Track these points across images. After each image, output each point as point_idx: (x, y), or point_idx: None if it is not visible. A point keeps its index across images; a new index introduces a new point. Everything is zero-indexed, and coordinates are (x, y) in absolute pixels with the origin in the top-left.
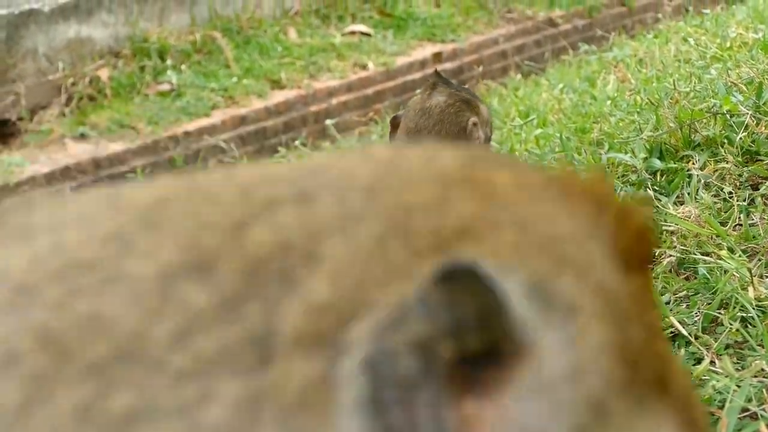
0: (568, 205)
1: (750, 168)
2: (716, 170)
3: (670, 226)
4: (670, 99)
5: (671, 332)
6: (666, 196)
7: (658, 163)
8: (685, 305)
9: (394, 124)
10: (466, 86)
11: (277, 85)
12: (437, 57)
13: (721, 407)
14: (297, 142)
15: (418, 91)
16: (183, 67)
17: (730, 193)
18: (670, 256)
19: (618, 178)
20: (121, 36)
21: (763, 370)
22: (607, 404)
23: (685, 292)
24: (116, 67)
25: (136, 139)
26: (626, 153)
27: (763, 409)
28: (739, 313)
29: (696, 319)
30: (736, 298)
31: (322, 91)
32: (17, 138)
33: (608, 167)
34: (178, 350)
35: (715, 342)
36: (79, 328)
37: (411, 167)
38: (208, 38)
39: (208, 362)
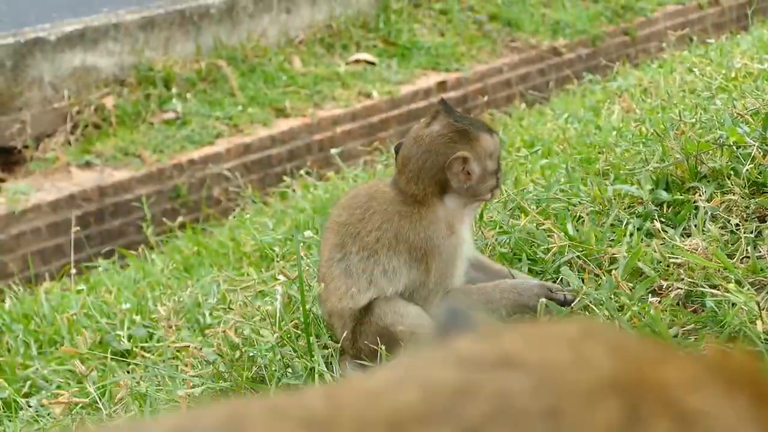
0: (739, 401)
1: (757, 200)
2: (723, 202)
3: (677, 258)
4: (676, 130)
5: None
6: (673, 228)
7: (664, 195)
8: (693, 338)
9: (397, 152)
10: (473, 116)
11: (282, 113)
12: (441, 86)
13: None
14: (302, 171)
15: (422, 119)
16: (188, 95)
17: (737, 225)
18: (678, 289)
19: (624, 209)
20: (126, 64)
21: None
22: None
23: (692, 326)
24: (121, 96)
25: (141, 167)
26: (632, 184)
27: None
28: (747, 346)
29: (704, 352)
30: (745, 332)
31: (326, 119)
32: (23, 166)
33: (614, 198)
34: None
35: None
36: None
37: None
38: (213, 67)
39: None
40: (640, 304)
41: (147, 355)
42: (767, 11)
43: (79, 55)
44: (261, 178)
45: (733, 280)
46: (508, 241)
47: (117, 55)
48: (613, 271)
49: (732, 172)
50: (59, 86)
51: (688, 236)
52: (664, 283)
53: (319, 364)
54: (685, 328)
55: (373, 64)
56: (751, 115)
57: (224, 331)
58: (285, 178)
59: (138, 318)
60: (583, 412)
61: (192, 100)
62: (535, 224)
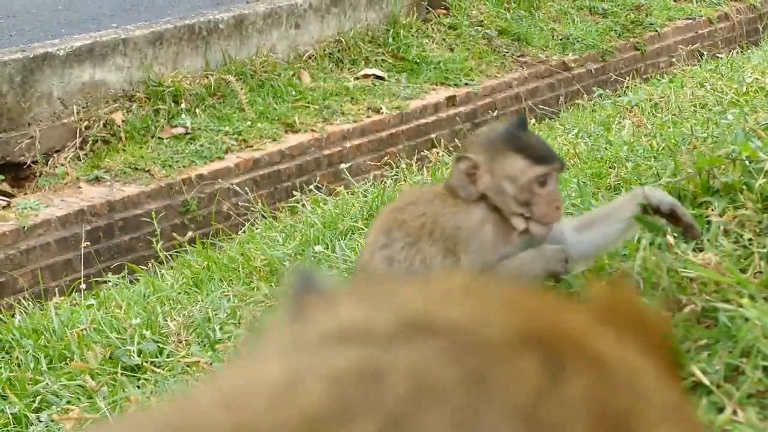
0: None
1: None
2: (735, 217)
3: (690, 273)
4: (688, 144)
5: (692, 381)
6: (685, 242)
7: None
8: (706, 354)
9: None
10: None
11: (291, 128)
12: (451, 101)
13: None
14: (311, 186)
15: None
16: (197, 110)
17: (750, 240)
18: (692, 304)
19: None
20: (135, 79)
21: None
22: None
23: (706, 341)
24: (130, 111)
25: (150, 182)
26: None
27: None
28: (761, 362)
29: (717, 368)
30: (758, 347)
31: (335, 134)
32: (32, 181)
33: None
34: None
35: (738, 391)
36: None
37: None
38: (222, 82)
39: None
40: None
41: (157, 370)
42: None
43: (88, 70)
44: (270, 192)
45: (746, 295)
46: None
47: (126, 70)
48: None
49: (744, 187)
50: (68, 101)
51: (701, 251)
52: (683, 298)
53: None
54: (698, 344)
55: (382, 79)
56: (763, 130)
57: (235, 346)
58: (295, 192)
59: (148, 333)
60: (506, 371)
61: (201, 115)
62: None
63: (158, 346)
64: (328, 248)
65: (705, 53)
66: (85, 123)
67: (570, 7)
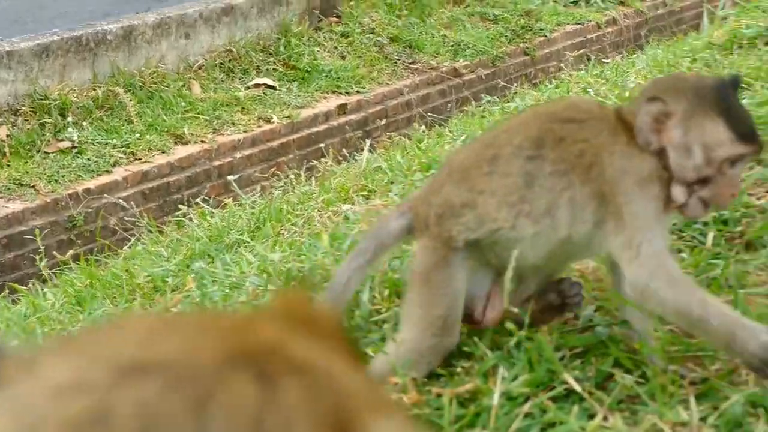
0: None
1: None
2: None
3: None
4: None
5: (565, 389)
6: None
7: None
8: (579, 361)
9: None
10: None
11: (181, 140)
12: (342, 108)
13: None
14: (198, 199)
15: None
16: (84, 123)
17: None
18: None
19: None
20: (20, 93)
21: (655, 424)
22: None
23: (581, 348)
24: (15, 125)
25: (35, 198)
26: None
27: None
28: (633, 369)
29: (590, 375)
30: (632, 356)
31: (226, 145)
32: None
33: None
34: None
35: (609, 397)
36: None
37: None
38: (111, 94)
39: None
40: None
41: None
42: (663, 30)
43: None
44: (160, 205)
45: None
46: (399, 266)
47: (10, 84)
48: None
49: None
50: None
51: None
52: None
53: None
54: (573, 351)
55: (273, 88)
56: None
57: None
58: (181, 206)
59: None
60: (225, 393)
61: (88, 128)
62: None
63: None
64: (211, 263)
65: (593, 57)
66: None
67: (461, 14)
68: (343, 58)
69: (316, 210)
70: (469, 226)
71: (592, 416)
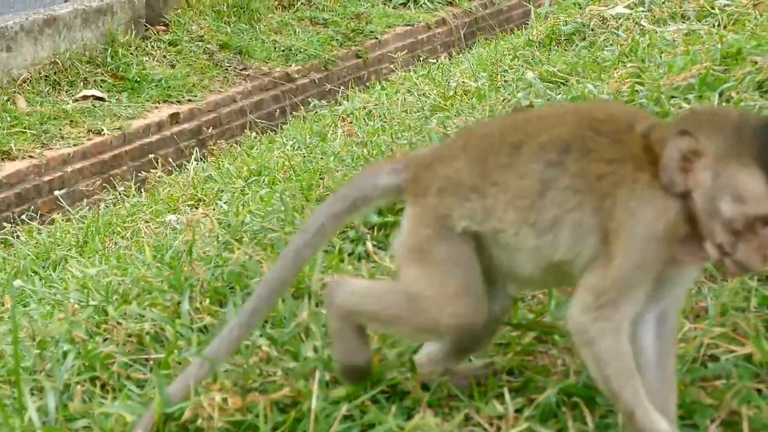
0: None
1: None
2: None
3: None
4: (391, 151)
5: (383, 390)
6: (384, 249)
7: (375, 218)
8: (399, 361)
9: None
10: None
11: (8, 156)
12: (174, 118)
13: None
14: (23, 216)
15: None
16: None
17: None
18: None
19: (338, 234)
20: None
21: (471, 419)
22: None
23: (401, 348)
24: None
25: None
26: None
27: None
28: None
29: (408, 374)
30: None
31: (55, 159)
32: None
33: None
34: None
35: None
36: None
37: None
38: None
39: None
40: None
41: None
42: (493, 29)
43: None
44: None
45: None
46: (222, 274)
47: None
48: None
49: None
50: None
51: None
52: None
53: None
54: (393, 350)
55: (102, 99)
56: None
57: None
58: (5, 224)
59: None
60: None
61: None
62: (248, 256)
63: None
64: (42, 279)
65: (424, 58)
66: None
67: (291, 18)
68: (172, 66)
69: (143, 222)
70: (474, 216)
71: (411, 416)
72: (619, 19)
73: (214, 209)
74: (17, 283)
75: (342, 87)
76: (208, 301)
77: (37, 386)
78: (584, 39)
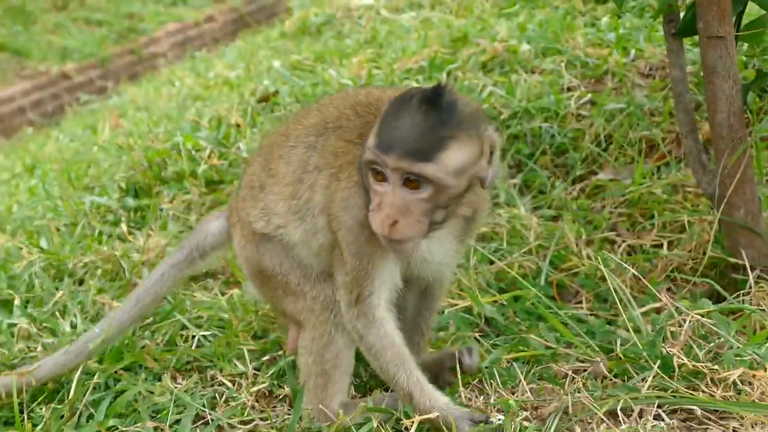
0: None
1: (212, 196)
2: (184, 202)
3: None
4: (148, 140)
5: (134, 360)
6: (139, 230)
7: (131, 202)
8: (148, 332)
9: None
10: None
11: None
12: None
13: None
14: None
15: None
16: None
17: (196, 221)
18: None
19: (99, 219)
20: None
21: (216, 379)
22: None
23: (150, 320)
24: None
25: None
26: (102, 195)
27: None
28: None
29: (159, 341)
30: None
31: None
32: None
33: (91, 210)
34: None
35: (175, 360)
36: None
37: None
38: None
39: None
40: None
41: None
42: (259, 24)
43: None
44: None
45: None
46: None
47: None
48: None
49: (191, 174)
50: None
51: (151, 237)
52: None
53: None
54: (144, 324)
55: None
56: (209, 121)
57: None
58: None
59: None
60: None
61: None
62: (11, 243)
63: None
64: None
65: (196, 53)
66: None
67: (66, 19)
68: None
69: None
70: (262, 215)
71: (159, 378)
72: (362, 9)
73: None
74: None
75: (119, 83)
76: None
77: None
78: (333, 29)
